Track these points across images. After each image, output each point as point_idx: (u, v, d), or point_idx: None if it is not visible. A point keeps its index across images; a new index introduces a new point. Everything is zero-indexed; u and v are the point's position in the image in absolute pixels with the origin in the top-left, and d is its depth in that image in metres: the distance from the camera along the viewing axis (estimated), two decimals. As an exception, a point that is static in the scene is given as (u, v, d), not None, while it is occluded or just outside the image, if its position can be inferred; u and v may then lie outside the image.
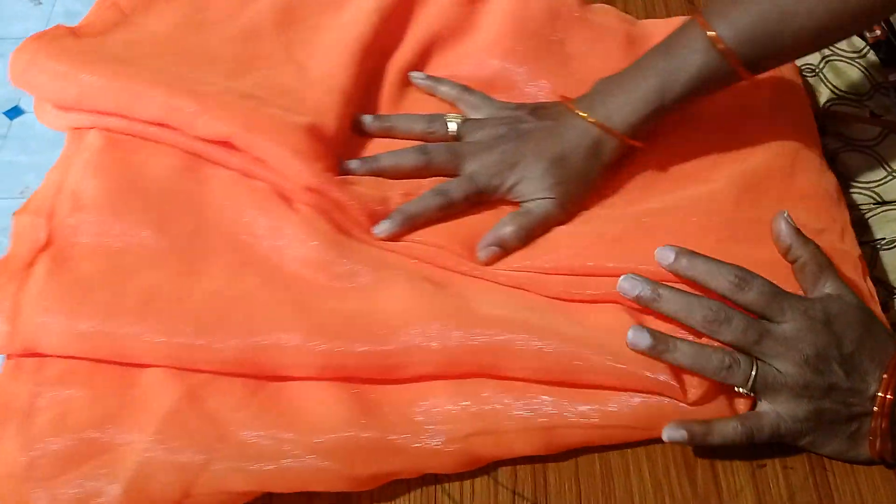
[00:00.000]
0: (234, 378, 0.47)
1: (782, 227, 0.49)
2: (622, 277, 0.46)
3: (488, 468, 0.45)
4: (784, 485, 0.45)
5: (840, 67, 0.64)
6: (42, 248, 0.49)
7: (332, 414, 0.45)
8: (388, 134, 0.58)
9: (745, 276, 0.45)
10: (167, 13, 0.61)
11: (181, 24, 0.61)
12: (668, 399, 0.45)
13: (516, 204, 0.54)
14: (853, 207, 0.60)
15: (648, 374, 0.45)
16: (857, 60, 0.63)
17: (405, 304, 0.47)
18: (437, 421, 0.45)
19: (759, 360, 0.44)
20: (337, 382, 0.46)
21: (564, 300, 0.50)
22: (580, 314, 0.49)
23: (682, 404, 0.45)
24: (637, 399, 0.45)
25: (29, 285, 0.47)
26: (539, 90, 0.61)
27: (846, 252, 0.51)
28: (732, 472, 0.45)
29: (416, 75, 0.61)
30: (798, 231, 0.48)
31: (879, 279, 0.57)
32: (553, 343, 0.45)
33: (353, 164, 0.55)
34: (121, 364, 0.47)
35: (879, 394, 0.43)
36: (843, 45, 0.64)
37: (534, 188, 0.53)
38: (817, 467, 0.46)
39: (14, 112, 1.56)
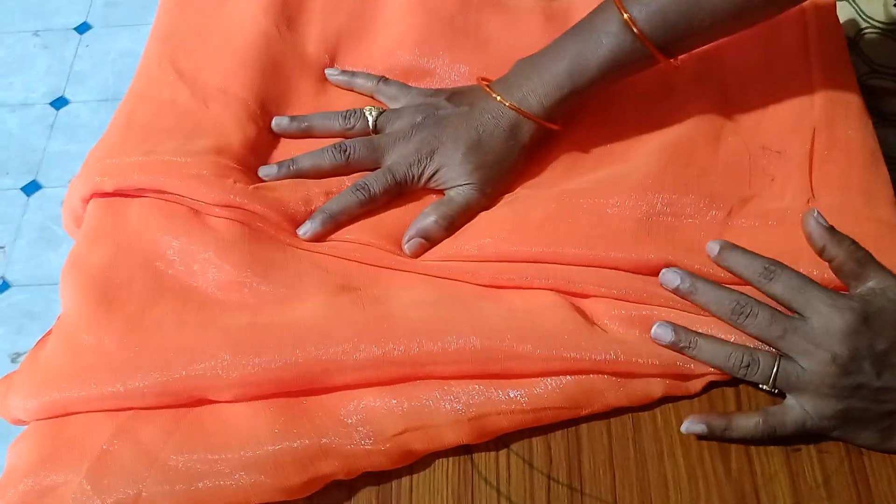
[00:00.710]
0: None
1: (813, 227, 0.47)
2: (664, 270, 0.47)
3: (523, 453, 0.47)
4: (819, 468, 0.45)
5: (876, 40, 0.63)
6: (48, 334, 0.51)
7: (261, 428, 0.45)
8: (306, 134, 0.58)
9: (773, 267, 0.45)
10: None
11: None
12: (596, 376, 0.46)
13: (440, 192, 0.55)
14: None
15: (574, 354, 0.45)
16: (894, 33, 0.62)
17: (321, 318, 0.47)
18: (368, 421, 0.45)
19: (784, 356, 0.44)
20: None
21: (493, 287, 0.50)
22: (508, 300, 0.49)
23: (612, 379, 0.46)
24: (566, 379, 0.46)
25: (19, 368, 0.49)
26: (459, 76, 0.61)
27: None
28: (767, 456, 0.46)
29: (330, 72, 0.61)
30: (830, 230, 0.47)
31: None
32: (476, 339, 0.46)
33: (270, 169, 0.55)
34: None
35: None
36: (879, 16, 0.63)
37: (453, 175, 0.53)
38: (853, 451, 0.46)
39: (60, 102, 1.61)
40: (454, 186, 0.54)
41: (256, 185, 0.54)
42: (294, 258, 0.52)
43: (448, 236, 0.53)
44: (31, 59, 1.67)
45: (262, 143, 0.57)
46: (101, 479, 0.43)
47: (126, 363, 0.46)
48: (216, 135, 0.55)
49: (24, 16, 1.73)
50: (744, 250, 0.47)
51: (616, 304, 0.48)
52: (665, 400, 0.48)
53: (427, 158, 0.54)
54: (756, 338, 0.45)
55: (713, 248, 0.48)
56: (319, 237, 0.52)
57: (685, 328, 0.46)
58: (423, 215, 0.53)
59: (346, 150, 0.55)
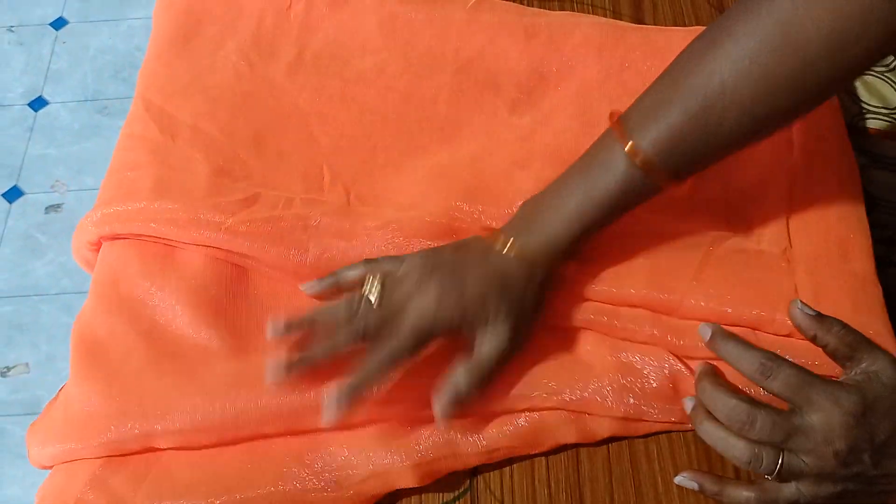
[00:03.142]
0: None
1: (800, 318, 0.46)
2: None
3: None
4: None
5: (869, 82, 0.62)
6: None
7: (228, 473, 0.47)
8: (309, 333, 0.50)
9: (771, 363, 0.44)
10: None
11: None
12: (550, 413, 0.49)
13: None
14: (880, 226, 0.59)
15: (541, 393, 0.49)
16: (886, 74, 0.62)
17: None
18: (332, 468, 0.47)
19: (788, 450, 0.44)
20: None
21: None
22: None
23: (565, 415, 0.49)
24: (521, 421, 0.48)
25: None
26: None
27: (855, 275, 0.51)
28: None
29: (308, 286, 0.51)
30: (817, 317, 0.46)
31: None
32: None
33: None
34: None
35: None
36: (872, 58, 0.62)
37: (484, 329, 0.48)
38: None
39: (38, 103, 1.58)
40: (485, 341, 0.48)
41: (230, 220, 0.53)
42: (255, 303, 0.53)
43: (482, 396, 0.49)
44: (6, 56, 1.64)
45: (232, 176, 0.56)
46: None
47: (107, 416, 0.48)
48: (185, 171, 0.55)
49: (-2, 11, 1.69)
50: (737, 340, 0.46)
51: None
52: (662, 455, 0.50)
53: (453, 311, 0.48)
54: (759, 441, 0.44)
55: (705, 331, 0.47)
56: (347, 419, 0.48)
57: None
58: (454, 381, 0.47)
59: (359, 330, 0.48)
